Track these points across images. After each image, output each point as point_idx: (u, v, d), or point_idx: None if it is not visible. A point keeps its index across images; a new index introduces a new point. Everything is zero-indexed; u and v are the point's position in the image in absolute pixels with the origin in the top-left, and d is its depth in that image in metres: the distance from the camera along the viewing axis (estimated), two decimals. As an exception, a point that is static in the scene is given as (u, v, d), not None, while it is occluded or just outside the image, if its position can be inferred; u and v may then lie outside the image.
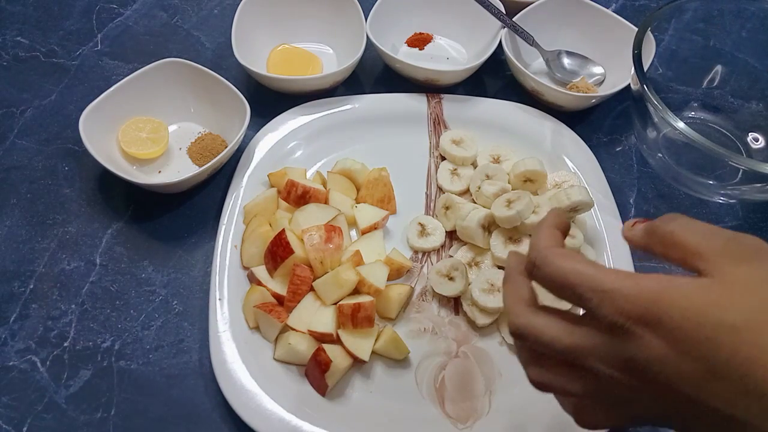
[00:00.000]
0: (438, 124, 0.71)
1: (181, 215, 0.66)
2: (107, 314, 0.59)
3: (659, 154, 0.66)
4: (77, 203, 0.66)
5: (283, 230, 0.57)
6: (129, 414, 0.54)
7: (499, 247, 0.60)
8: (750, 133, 0.70)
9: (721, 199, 0.65)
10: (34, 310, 0.59)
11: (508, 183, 0.64)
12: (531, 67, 0.77)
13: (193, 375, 0.56)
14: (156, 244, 0.64)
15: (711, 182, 0.63)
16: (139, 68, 0.67)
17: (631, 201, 0.68)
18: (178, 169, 0.68)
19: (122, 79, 0.66)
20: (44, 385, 0.55)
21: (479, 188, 0.63)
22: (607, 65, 0.76)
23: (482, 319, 0.58)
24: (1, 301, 0.60)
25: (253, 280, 0.59)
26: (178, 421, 0.54)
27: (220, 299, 0.57)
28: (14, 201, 0.66)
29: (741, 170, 0.59)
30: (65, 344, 0.57)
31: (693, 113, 0.72)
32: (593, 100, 0.71)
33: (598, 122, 0.74)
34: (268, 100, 0.72)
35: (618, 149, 0.72)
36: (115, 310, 0.59)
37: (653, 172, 0.70)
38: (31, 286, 0.61)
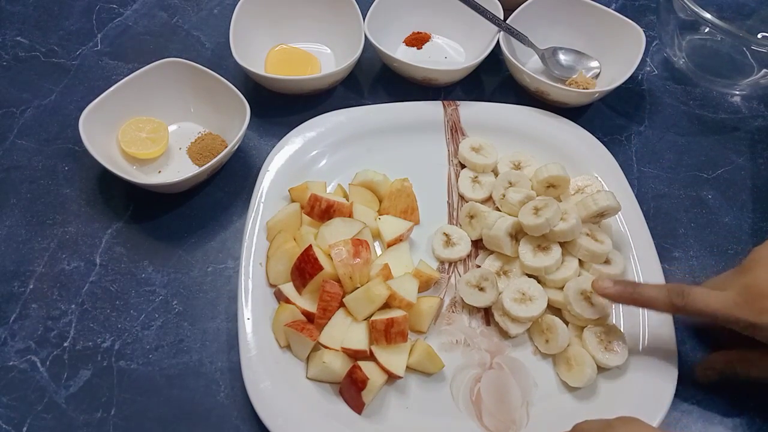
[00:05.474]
0: (455, 131, 0.71)
1: (181, 215, 0.66)
2: (107, 314, 0.59)
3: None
4: (77, 203, 0.66)
5: (311, 246, 0.56)
6: (129, 414, 0.54)
7: (529, 255, 0.59)
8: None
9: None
10: (34, 310, 0.59)
11: (531, 189, 0.64)
12: (529, 64, 0.77)
13: (193, 375, 0.56)
14: (156, 244, 0.64)
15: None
16: (139, 68, 0.67)
17: (631, 201, 0.68)
18: (178, 169, 0.68)
19: (122, 79, 0.66)
20: (44, 385, 0.55)
21: (503, 196, 0.63)
22: (602, 59, 0.76)
23: (515, 329, 0.57)
24: (1, 301, 0.60)
25: (281, 297, 0.58)
26: (178, 421, 0.54)
27: (248, 319, 0.56)
28: (14, 201, 0.66)
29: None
30: (65, 344, 0.57)
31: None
32: (596, 95, 0.71)
33: (599, 122, 0.74)
34: (268, 100, 0.72)
35: (618, 149, 0.72)
36: (115, 310, 0.60)
37: (653, 172, 0.70)
38: (31, 286, 0.61)
